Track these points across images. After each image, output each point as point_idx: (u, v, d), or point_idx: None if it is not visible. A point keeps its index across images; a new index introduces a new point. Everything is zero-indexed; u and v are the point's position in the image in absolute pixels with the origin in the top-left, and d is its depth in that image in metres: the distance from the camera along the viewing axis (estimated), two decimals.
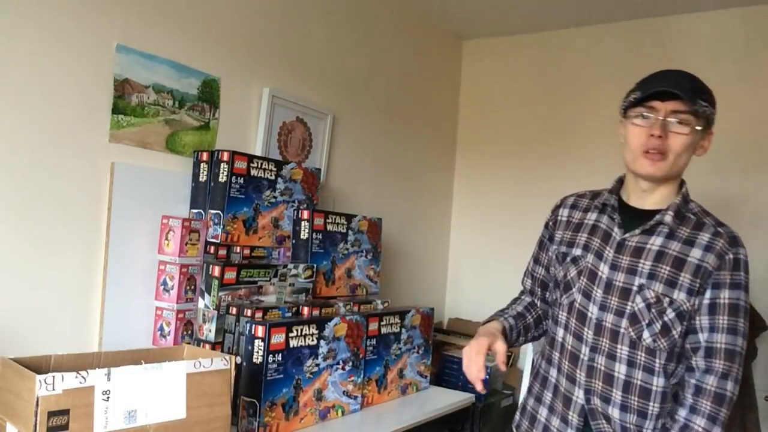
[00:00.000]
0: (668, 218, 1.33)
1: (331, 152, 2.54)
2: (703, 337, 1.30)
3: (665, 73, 1.33)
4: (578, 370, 1.37)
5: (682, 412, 1.30)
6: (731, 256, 1.30)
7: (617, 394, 1.32)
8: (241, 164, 1.88)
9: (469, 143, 3.47)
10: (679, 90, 1.25)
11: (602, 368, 1.34)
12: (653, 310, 1.30)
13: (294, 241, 2.05)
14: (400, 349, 2.08)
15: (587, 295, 1.37)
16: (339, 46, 2.57)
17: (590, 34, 3.12)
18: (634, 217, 1.38)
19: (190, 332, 1.81)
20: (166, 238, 1.81)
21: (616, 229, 1.38)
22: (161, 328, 1.81)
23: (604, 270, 1.36)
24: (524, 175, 3.25)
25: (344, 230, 2.15)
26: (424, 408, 2.01)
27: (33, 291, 1.59)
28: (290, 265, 1.93)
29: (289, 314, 1.81)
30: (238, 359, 1.67)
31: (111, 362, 1.43)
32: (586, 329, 1.36)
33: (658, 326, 1.30)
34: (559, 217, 1.52)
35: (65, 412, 1.16)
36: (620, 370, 1.32)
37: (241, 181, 1.89)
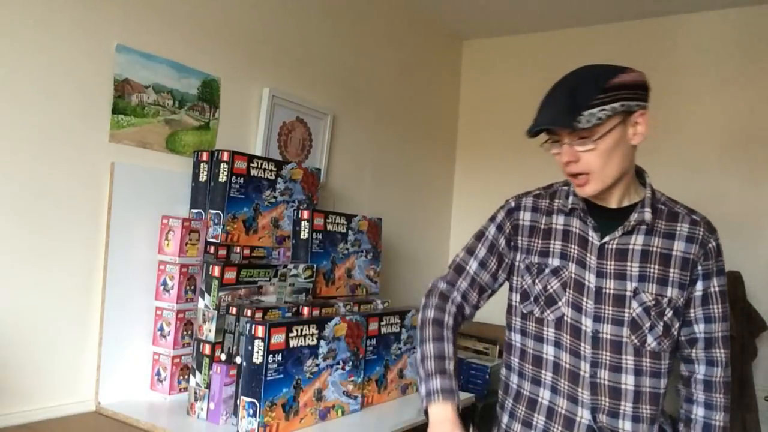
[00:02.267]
0: (648, 216, 1.29)
1: (331, 152, 2.54)
2: (699, 328, 1.30)
3: (545, 100, 1.24)
4: (580, 389, 1.29)
5: (699, 411, 1.30)
6: (713, 243, 1.30)
7: (627, 407, 1.27)
8: (241, 164, 1.88)
9: (469, 143, 3.47)
10: (551, 123, 1.20)
11: (607, 383, 1.28)
12: (653, 313, 1.27)
13: (294, 241, 2.05)
14: (400, 349, 2.08)
15: (577, 307, 1.30)
16: (339, 46, 2.57)
17: (590, 34, 3.12)
18: (605, 218, 1.31)
19: (190, 332, 1.81)
20: (166, 238, 1.81)
21: (591, 233, 1.31)
22: (161, 328, 1.81)
23: (590, 278, 1.29)
24: (524, 175, 3.24)
25: (344, 230, 2.15)
26: None
27: (33, 291, 1.59)
28: (290, 265, 1.93)
29: (289, 314, 1.81)
30: (238, 359, 1.67)
31: None
32: (582, 344, 1.29)
33: (660, 328, 1.27)
34: (520, 222, 1.41)
35: None
36: (628, 381, 1.27)
37: (241, 181, 1.89)
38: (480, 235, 1.45)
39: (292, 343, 1.63)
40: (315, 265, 2.02)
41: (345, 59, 2.61)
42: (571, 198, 1.35)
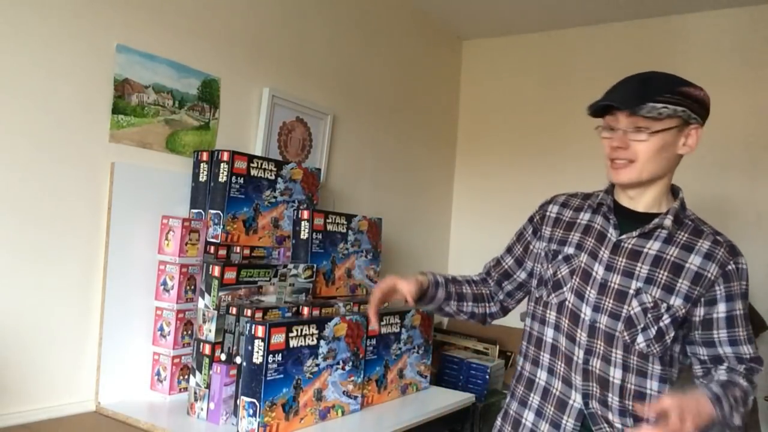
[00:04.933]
0: (668, 222, 1.31)
1: (331, 152, 2.54)
2: (727, 350, 1.31)
3: (620, 82, 1.33)
4: (573, 373, 1.34)
5: (722, 374, 1.30)
6: (735, 266, 1.31)
7: (614, 399, 1.31)
8: (241, 164, 1.88)
9: (469, 143, 3.47)
10: (618, 102, 1.27)
11: (598, 371, 1.31)
12: (649, 315, 1.28)
13: (294, 241, 2.05)
14: (400, 349, 2.08)
15: (580, 295, 1.35)
16: (339, 46, 2.57)
17: (590, 34, 3.12)
18: (628, 219, 1.36)
19: (190, 332, 1.81)
20: (166, 238, 1.81)
21: (611, 230, 1.36)
22: (161, 328, 1.81)
23: (598, 270, 1.34)
24: (524, 175, 3.25)
25: (344, 230, 2.15)
26: (424, 408, 2.01)
27: (33, 291, 1.59)
28: (290, 265, 1.93)
29: (289, 314, 1.81)
30: (238, 359, 1.67)
31: None
32: (579, 330, 1.33)
33: (653, 331, 1.28)
34: (547, 213, 1.49)
35: None
36: (615, 374, 1.30)
37: (241, 181, 1.89)
38: (517, 231, 1.58)
39: (292, 343, 1.63)
40: (315, 265, 2.02)
41: (345, 59, 2.61)
42: (601, 195, 1.41)
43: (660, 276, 1.29)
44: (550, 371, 1.38)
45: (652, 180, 1.31)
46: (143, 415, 1.63)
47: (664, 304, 1.28)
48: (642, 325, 1.28)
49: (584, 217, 1.43)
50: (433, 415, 1.99)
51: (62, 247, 1.65)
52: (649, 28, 2.96)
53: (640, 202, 1.35)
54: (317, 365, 1.71)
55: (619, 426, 1.30)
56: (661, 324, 1.28)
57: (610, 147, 1.31)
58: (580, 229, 1.41)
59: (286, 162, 2.06)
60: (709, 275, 1.29)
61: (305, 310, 1.84)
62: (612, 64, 3.04)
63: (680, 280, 1.29)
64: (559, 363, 1.36)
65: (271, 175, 1.98)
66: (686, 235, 1.32)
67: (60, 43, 1.62)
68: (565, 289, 1.37)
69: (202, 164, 1.90)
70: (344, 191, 2.65)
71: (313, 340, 1.69)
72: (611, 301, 1.31)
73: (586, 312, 1.33)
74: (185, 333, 1.81)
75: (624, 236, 1.34)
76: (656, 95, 1.24)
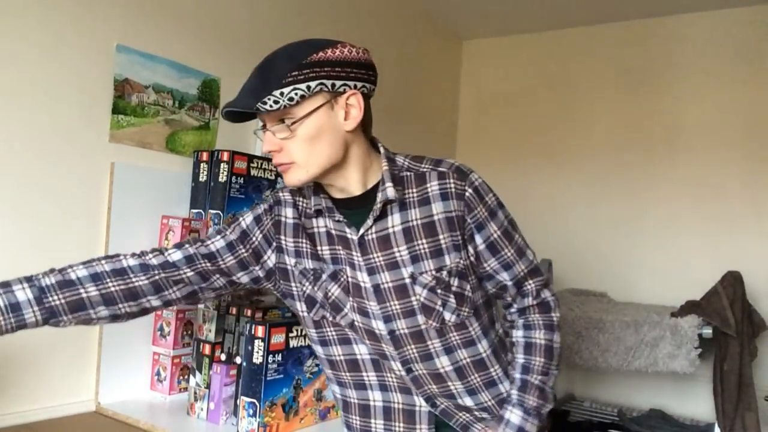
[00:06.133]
0: (391, 192, 1.14)
1: None
2: (503, 276, 1.22)
3: (247, 81, 1.09)
4: (407, 383, 1.22)
5: (519, 333, 1.24)
6: (470, 189, 1.17)
7: (457, 385, 1.21)
8: (241, 164, 1.88)
9: (469, 143, 3.47)
10: (239, 104, 1.06)
11: (425, 372, 1.20)
12: (439, 290, 1.16)
13: None
14: None
15: (363, 312, 1.19)
16: None
17: (590, 34, 3.12)
18: (356, 208, 1.18)
19: (190, 332, 1.81)
20: (166, 238, 1.81)
21: (347, 230, 1.17)
22: (161, 328, 1.81)
23: (364, 279, 1.17)
24: (524, 175, 3.25)
25: None
26: None
27: None
28: None
29: (289, 314, 1.81)
30: (238, 359, 1.67)
31: None
32: (384, 345, 1.19)
33: (453, 301, 1.17)
34: (283, 219, 1.24)
35: None
36: (443, 363, 1.19)
37: (241, 181, 1.89)
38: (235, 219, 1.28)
39: (292, 343, 1.63)
40: None
41: None
42: (313, 199, 1.20)
43: (421, 247, 1.15)
44: (383, 387, 1.24)
45: (335, 166, 1.13)
46: (143, 416, 1.63)
47: (444, 270, 1.16)
48: (439, 303, 1.16)
49: (318, 223, 1.22)
50: None
51: (62, 246, 1.64)
52: (649, 28, 2.96)
53: (350, 186, 1.16)
54: (317, 365, 1.71)
55: (474, 407, 1.23)
56: (454, 288, 1.17)
57: (264, 151, 1.12)
58: (325, 240, 1.21)
59: None
60: (456, 213, 1.16)
61: None
62: (612, 64, 3.04)
63: (440, 236, 1.15)
64: (388, 375, 1.23)
65: (271, 175, 1.98)
66: (414, 189, 1.17)
67: (60, 43, 1.62)
68: (346, 310, 1.20)
69: (202, 164, 1.90)
70: None
71: None
72: (396, 302, 1.17)
73: (380, 326, 1.18)
74: (185, 333, 1.81)
75: (362, 230, 1.16)
76: (280, 80, 1.03)
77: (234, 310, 1.72)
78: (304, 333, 1.66)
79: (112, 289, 1.15)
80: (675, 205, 2.88)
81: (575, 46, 3.15)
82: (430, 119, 3.25)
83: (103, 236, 1.73)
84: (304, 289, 1.22)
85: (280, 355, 1.59)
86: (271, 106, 1.04)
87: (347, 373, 1.26)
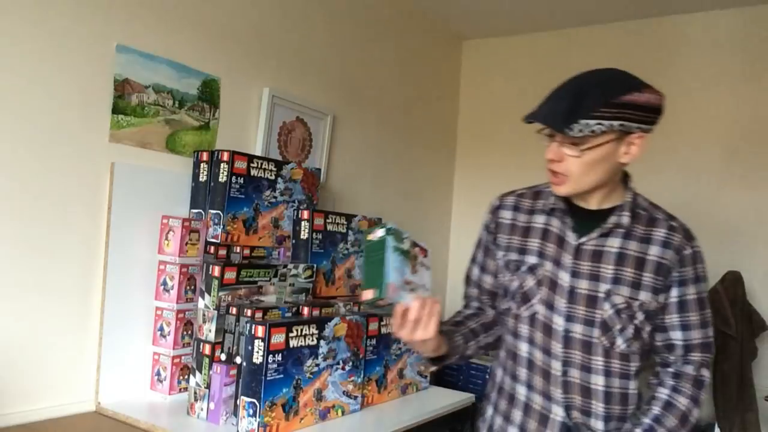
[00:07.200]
0: (626, 220, 1.28)
1: (331, 152, 2.54)
2: (676, 335, 1.29)
3: (553, 93, 1.22)
4: (553, 387, 1.30)
5: (664, 391, 1.29)
6: (690, 250, 1.28)
7: (599, 406, 1.28)
8: (241, 164, 1.88)
9: (469, 143, 3.47)
10: (547, 120, 1.19)
11: (578, 382, 1.28)
12: (623, 316, 1.25)
13: (294, 241, 2.05)
14: (400, 349, 2.08)
15: (550, 305, 1.30)
16: (339, 46, 2.57)
17: (590, 34, 3.12)
18: (584, 219, 1.30)
19: (190, 332, 1.81)
20: (166, 238, 1.81)
21: (569, 233, 1.30)
22: (161, 328, 1.81)
23: (564, 278, 1.29)
24: (524, 175, 3.23)
25: (344, 230, 2.15)
26: (424, 408, 2.00)
27: (33, 291, 1.59)
28: (290, 265, 1.92)
29: (289, 314, 1.81)
30: (238, 359, 1.67)
31: None
32: (554, 342, 1.29)
33: (630, 331, 1.26)
34: (500, 220, 1.42)
35: None
36: (598, 381, 1.27)
37: (241, 181, 1.89)
38: (478, 242, 1.49)
39: (292, 343, 1.63)
40: (315, 265, 2.02)
41: (345, 59, 2.61)
42: (552, 198, 1.34)
43: (626, 273, 1.26)
44: (529, 386, 1.34)
45: (597, 187, 1.27)
46: (143, 415, 1.63)
47: (636, 302, 1.25)
48: (618, 327, 1.26)
49: (539, 220, 1.36)
50: (433, 415, 1.99)
51: (62, 247, 1.65)
52: (649, 28, 2.96)
53: (592, 201, 1.31)
54: (317, 365, 1.71)
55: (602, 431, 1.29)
56: (636, 321, 1.26)
57: (547, 157, 1.24)
58: (538, 235, 1.34)
59: (286, 162, 2.06)
60: (668, 263, 1.26)
61: (305, 310, 1.84)
62: (612, 64, 3.03)
63: (645, 274, 1.26)
64: (537, 377, 1.32)
65: (271, 175, 1.98)
66: (643, 227, 1.29)
67: (60, 43, 1.62)
68: (534, 301, 1.32)
69: (202, 164, 1.90)
70: (344, 191, 2.65)
71: (313, 340, 1.69)
72: (583, 307, 1.27)
73: (559, 322, 1.28)
74: (185, 333, 1.81)
75: (584, 239, 1.29)
76: (589, 111, 1.15)
77: (234, 310, 1.72)
78: (303, 333, 1.66)
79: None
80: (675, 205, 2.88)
81: (575, 46, 3.15)
82: (430, 119, 3.25)
83: (103, 236, 1.73)
84: (504, 279, 1.38)
85: (280, 355, 1.59)
86: (575, 133, 1.16)
87: (510, 362, 1.39)
